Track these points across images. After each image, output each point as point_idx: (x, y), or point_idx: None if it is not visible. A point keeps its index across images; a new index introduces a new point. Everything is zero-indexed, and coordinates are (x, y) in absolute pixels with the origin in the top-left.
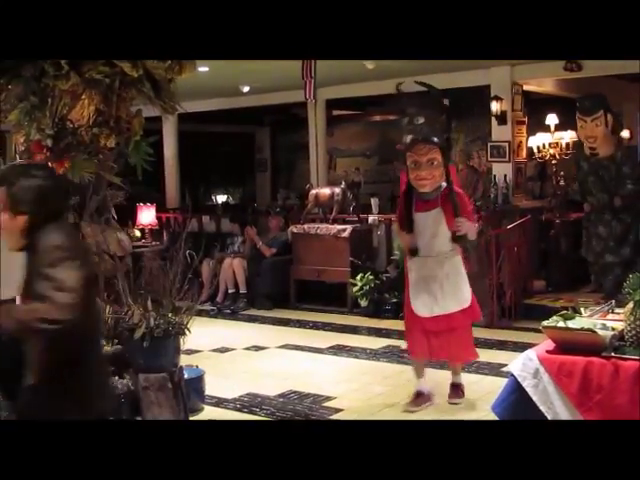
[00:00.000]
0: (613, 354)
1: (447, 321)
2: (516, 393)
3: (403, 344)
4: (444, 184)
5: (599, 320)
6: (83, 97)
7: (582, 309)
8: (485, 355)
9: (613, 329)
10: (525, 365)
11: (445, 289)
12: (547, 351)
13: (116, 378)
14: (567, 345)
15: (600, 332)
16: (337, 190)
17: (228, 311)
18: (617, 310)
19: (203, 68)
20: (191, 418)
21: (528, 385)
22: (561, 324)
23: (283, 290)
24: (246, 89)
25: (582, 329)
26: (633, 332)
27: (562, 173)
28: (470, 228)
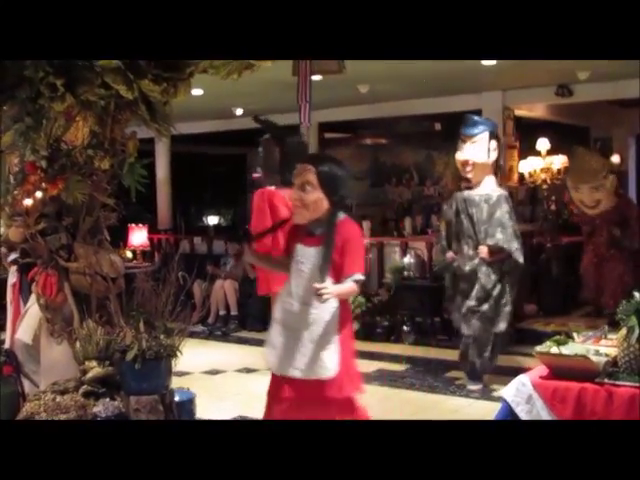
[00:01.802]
0: (607, 380)
1: (301, 388)
2: (509, 418)
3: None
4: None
5: (592, 346)
6: (78, 119)
7: (575, 334)
8: None
9: (607, 355)
10: (518, 390)
11: (303, 349)
12: (540, 377)
13: (107, 400)
14: (560, 371)
15: (593, 358)
16: None
17: (219, 333)
18: (610, 336)
19: (197, 91)
20: None
21: (521, 411)
22: (554, 350)
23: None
24: (239, 112)
25: (575, 355)
26: (627, 358)
27: (553, 198)
28: (343, 293)
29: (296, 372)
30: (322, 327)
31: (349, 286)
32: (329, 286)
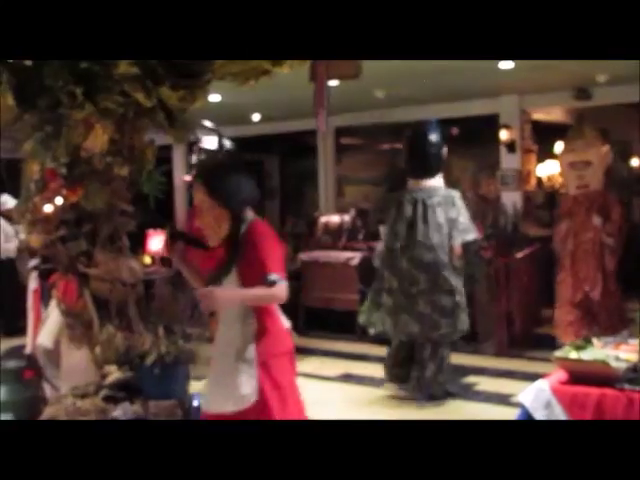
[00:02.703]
0: (627, 386)
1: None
2: None
3: None
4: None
5: (612, 351)
6: (97, 126)
7: (595, 339)
8: (493, 385)
9: (627, 361)
10: (537, 396)
11: (214, 380)
12: (559, 382)
13: (127, 404)
14: (580, 376)
15: (613, 363)
16: (346, 218)
17: None
18: (630, 341)
19: (215, 97)
20: None
21: (540, 416)
22: (573, 355)
23: (292, 317)
24: (257, 117)
25: (595, 360)
26: None
27: None
28: (246, 297)
29: (213, 406)
30: (235, 349)
31: (256, 290)
32: (215, 289)
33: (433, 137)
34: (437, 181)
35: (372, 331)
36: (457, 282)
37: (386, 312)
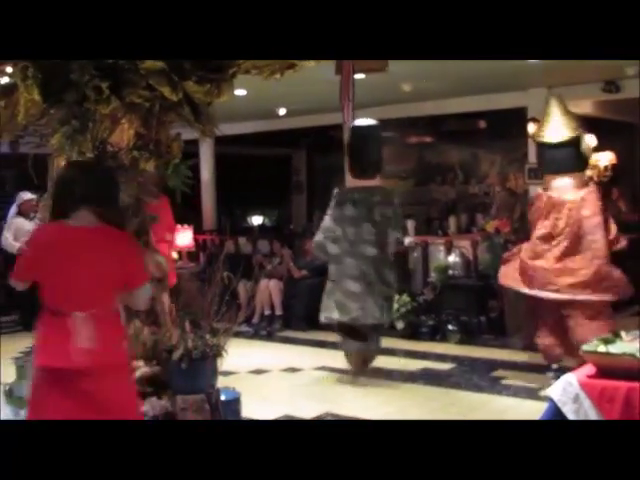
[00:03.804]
0: None
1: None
2: (556, 419)
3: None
4: None
5: None
6: (123, 121)
7: (623, 333)
8: (522, 379)
9: None
10: (565, 390)
11: None
12: (588, 376)
13: (154, 399)
14: (608, 370)
15: None
16: None
17: (264, 333)
18: None
19: (241, 91)
20: None
21: (568, 410)
22: (602, 348)
23: (319, 312)
24: (283, 112)
25: (624, 354)
26: None
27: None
28: None
29: None
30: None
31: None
32: None
33: (371, 139)
34: (376, 181)
35: (322, 318)
36: (392, 276)
37: (333, 300)
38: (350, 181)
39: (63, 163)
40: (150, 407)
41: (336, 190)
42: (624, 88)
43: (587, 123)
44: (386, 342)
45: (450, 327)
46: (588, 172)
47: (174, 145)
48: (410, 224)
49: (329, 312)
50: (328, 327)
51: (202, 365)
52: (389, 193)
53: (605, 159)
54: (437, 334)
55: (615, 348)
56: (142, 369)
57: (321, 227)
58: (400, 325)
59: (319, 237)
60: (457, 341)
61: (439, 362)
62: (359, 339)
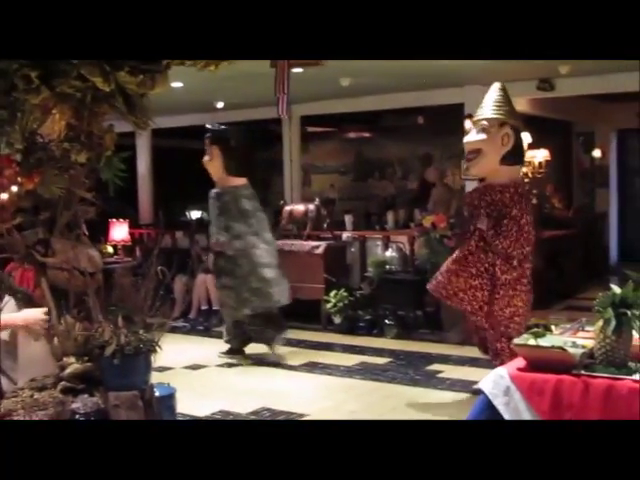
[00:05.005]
0: (583, 372)
1: None
2: (487, 411)
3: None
4: None
5: (570, 338)
6: (54, 111)
7: (553, 326)
8: (458, 372)
9: (583, 347)
10: (496, 383)
11: None
12: (518, 369)
13: (86, 396)
14: (538, 363)
15: (570, 350)
16: (311, 207)
17: (201, 328)
18: (587, 328)
19: (177, 84)
20: None
21: (499, 403)
22: (532, 342)
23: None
24: (220, 105)
25: (553, 347)
26: (603, 350)
27: (535, 191)
28: None
29: None
30: None
31: None
32: None
33: (241, 142)
34: (246, 179)
35: (240, 315)
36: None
37: (247, 293)
38: (223, 180)
39: None
40: (81, 404)
41: (215, 191)
42: (558, 86)
43: (523, 120)
44: (324, 337)
45: (387, 322)
46: (523, 168)
47: (107, 137)
48: (348, 219)
49: (246, 305)
50: None
51: (135, 361)
52: (251, 190)
53: (540, 156)
54: (374, 329)
55: (545, 341)
56: (74, 365)
57: (218, 227)
58: (337, 319)
59: (224, 237)
60: (394, 335)
61: (376, 356)
62: (276, 326)
